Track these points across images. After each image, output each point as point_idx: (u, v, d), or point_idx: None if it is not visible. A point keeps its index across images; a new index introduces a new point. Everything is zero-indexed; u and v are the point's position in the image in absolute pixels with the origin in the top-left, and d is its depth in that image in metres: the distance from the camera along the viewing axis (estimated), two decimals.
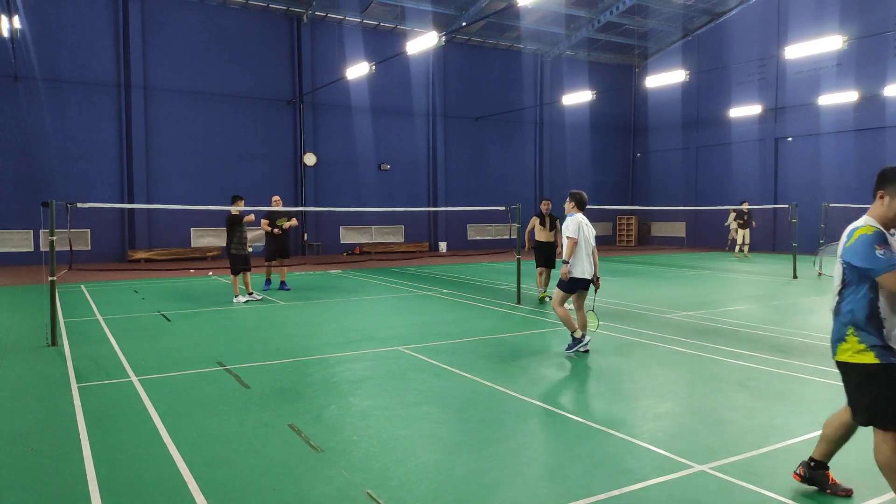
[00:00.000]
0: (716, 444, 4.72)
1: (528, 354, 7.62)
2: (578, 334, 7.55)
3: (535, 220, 12.19)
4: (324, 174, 24.11)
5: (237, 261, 11.95)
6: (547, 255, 12.04)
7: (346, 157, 24.57)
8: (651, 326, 9.47)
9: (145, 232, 20.85)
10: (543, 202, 12.26)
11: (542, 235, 12.10)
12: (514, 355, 7.63)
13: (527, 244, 13.05)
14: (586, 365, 7.19)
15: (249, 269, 12.18)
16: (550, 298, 10.46)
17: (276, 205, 12.97)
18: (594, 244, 7.73)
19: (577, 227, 7.46)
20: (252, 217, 12.36)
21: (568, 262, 7.43)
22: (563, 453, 4.65)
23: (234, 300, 11.86)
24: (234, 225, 11.88)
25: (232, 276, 12.04)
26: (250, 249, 12.48)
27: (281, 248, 13.33)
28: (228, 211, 12.01)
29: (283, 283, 13.63)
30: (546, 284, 12.06)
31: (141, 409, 5.52)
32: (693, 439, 4.84)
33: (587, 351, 7.64)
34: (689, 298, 12.43)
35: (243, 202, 12.08)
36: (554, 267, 11.34)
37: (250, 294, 12.17)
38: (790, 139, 25.23)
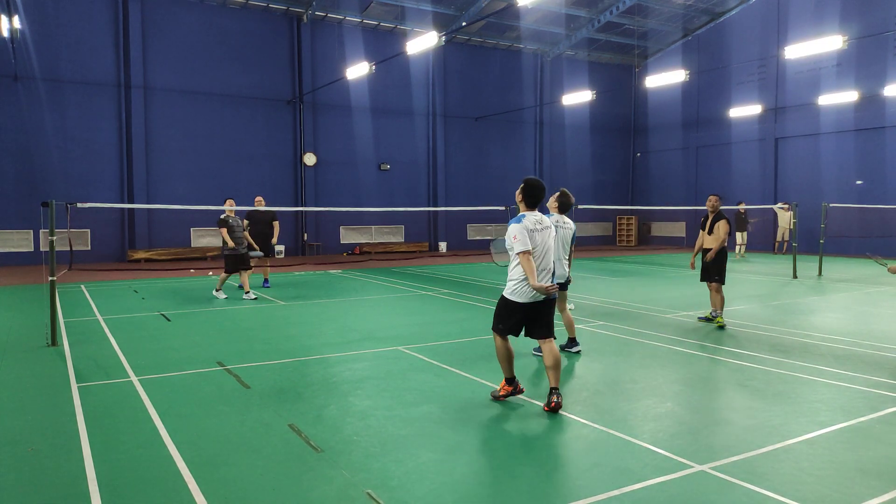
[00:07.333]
0: (716, 444, 4.72)
1: (528, 354, 7.61)
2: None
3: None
4: (324, 174, 24.11)
5: (226, 260, 12.36)
6: (706, 264, 9.53)
7: (346, 157, 24.57)
8: (651, 326, 9.47)
9: (145, 232, 20.85)
10: (715, 198, 9.59)
11: (705, 240, 9.62)
12: (514, 355, 7.61)
13: (693, 258, 9.90)
14: (586, 365, 7.19)
15: (248, 269, 12.39)
16: (721, 326, 9.26)
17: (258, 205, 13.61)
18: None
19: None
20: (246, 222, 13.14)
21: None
22: (563, 453, 4.65)
23: (214, 292, 12.42)
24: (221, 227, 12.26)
25: (223, 273, 12.46)
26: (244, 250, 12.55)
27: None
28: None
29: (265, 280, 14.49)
30: (720, 305, 9.45)
31: (141, 409, 5.52)
32: (693, 439, 4.84)
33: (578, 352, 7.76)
34: (689, 298, 12.42)
35: (228, 202, 12.46)
36: (724, 281, 9.45)
37: (247, 293, 12.27)
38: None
